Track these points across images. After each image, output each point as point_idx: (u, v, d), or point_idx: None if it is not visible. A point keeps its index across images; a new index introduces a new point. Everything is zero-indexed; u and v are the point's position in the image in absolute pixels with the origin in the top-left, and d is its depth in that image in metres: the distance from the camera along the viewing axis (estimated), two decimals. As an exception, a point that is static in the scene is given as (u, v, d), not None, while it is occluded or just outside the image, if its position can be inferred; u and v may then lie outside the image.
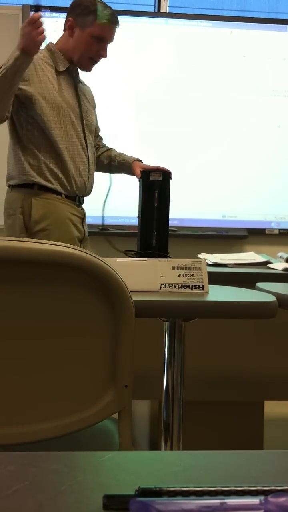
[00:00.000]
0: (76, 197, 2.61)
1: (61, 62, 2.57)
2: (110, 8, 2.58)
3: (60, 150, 2.51)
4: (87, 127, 2.65)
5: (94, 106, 2.77)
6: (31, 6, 3.80)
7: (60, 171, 2.52)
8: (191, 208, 4.03)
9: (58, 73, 2.56)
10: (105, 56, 2.58)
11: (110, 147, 2.87)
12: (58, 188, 2.53)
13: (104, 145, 2.88)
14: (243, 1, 4.49)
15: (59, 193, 2.53)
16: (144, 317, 1.26)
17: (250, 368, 2.33)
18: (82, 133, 2.59)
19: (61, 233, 2.49)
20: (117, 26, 2.58)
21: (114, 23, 2.55)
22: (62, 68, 2.56)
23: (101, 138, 2.88)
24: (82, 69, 2.64)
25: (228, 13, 4.39)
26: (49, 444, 1.16)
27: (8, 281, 1.09)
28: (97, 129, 2.83)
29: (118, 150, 2.86)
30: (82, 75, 2.74)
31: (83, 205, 2.70)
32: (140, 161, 2.73)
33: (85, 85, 2.76)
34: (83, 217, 2.66)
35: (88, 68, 2.62)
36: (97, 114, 2.81)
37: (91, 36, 2.53)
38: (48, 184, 2.51)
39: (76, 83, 2.65)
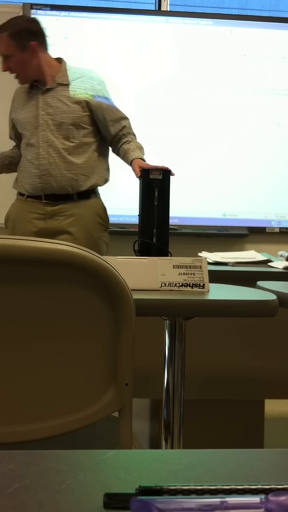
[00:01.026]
0: (41, 196, 2.84)
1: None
2: None
3: (22, 160, 2.90)
4: (51, 128, 2.80)
5: (78, 102, 2.81)
6: (31, 4, 3.81)
7: (20, 177, 2.91)
8: (192, 207, 4.03)
9: (29, 91, 2.89)
10: (1, 68, 2.80)
11: (128, 140, 2.84)
12: (21, 190, 2.90)
13: (124, 136, 2.85)
14: None
15: (23, 195, 2.90)
16: (145, 316, 1.26)
17: (250, 366, 2.33)
18: (36, 138, 2.82)
19: (12, 228, 2.90)
20: None
21: None
22: (27, 86, 2.90)
23: (119, 129, 2.85)
24: None
25: (228, 11, 4.39)
26: (49, 443, 1.16)
27: (7, 280, 1.09)
28: (105, 120, 2.84)
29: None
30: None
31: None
32: (143, 159, 2.74)
33: (67, 85, 2.84)
34: (45, 213, 2.83)
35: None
36: (98, 105, 2.83)
37: None
38: (16, 188, 2.94)
39: (41, 93, 2.84)
